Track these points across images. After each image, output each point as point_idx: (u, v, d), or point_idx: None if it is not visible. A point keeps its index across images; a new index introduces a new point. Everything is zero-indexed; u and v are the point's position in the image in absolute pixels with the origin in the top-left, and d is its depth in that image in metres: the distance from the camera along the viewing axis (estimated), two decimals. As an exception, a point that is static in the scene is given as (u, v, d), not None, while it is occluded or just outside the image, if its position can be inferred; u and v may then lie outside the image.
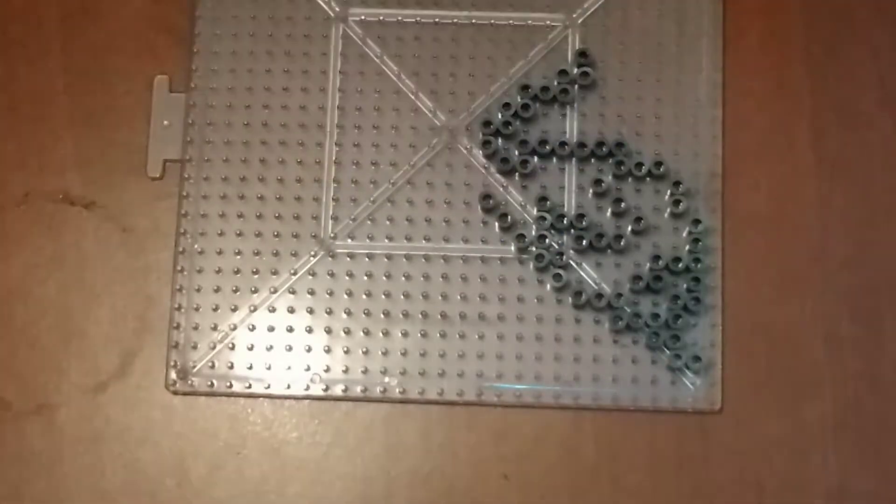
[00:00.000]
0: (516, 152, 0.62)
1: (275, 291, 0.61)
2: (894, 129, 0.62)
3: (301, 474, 0.60)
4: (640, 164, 0.61)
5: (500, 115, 0.62)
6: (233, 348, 0.61)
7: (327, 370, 0.60)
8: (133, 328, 0.61)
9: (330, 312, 0.61)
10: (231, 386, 0.60)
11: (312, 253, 0.62)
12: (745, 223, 0.61)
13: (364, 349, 0.60)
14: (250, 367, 0.61)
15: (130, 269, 0.62)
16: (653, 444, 0.60)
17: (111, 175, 0.63)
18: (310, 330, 0.61)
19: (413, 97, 0.62)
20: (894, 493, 0.59)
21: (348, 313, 0.61)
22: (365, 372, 0.60)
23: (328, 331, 0.61)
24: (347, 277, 0.61)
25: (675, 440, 0.60)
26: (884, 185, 0.62)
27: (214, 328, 0.61)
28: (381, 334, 0.61)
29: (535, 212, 0.61)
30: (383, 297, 0.61)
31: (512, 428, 0.60)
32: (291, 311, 0.61)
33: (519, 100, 0.62)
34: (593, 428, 0.60)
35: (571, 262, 0.61)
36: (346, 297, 0.61)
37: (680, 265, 0.60)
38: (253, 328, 0.61)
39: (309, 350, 0.61)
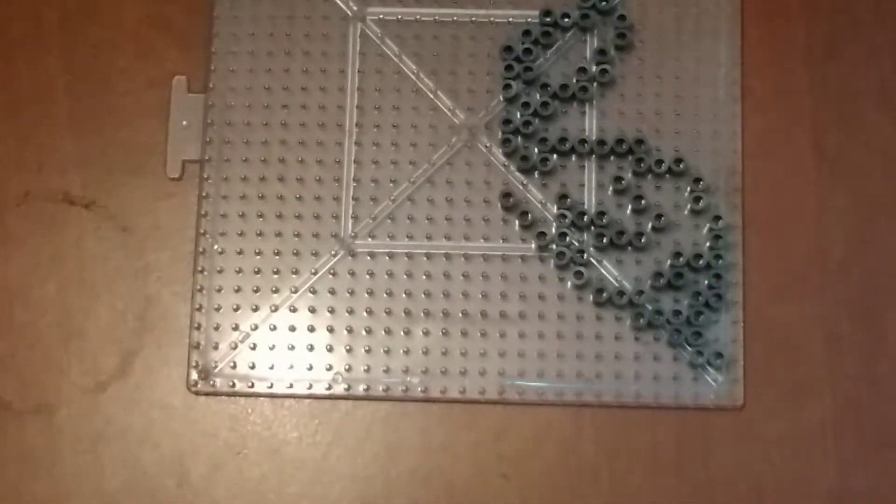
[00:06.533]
0: (536, 150, 0.62)
1: (295, 291, 0.61)
2: (894, 129, 0.63)
3: (308, 473, 0.60)
4: (660, 161, 0.61)
5: (519, 114, 0.62)
6: (254, 348, 0.61)
7: (349, 369, 0.60)
8: (133, 328, 0.61)
9: (351, 312, 0.61)
10: (252, 386, 0.60)
11: (333, 252, 0.61)
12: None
13: (385, 348, 0.60)
14: (272, 367, 0.60)
15: (130, 269, 0.62)
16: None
17: (111, 175, 0.62)
18: (331, 329, 0.61)
19: (432, 96, 0.62)
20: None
21: (369, 312, 0.61)
22: (387, 371, 0.60)
23: (349, 330, 0.60)
24: (368, 276, 0.61)
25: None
26: (884, 185, 0.62)
27: (235, 328, 0.61)
28: (402, 333, 0.60)
29: (555, 209, 0.61)
30: (404, 295, 0.61)
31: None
32: (312, 310, 0.61)
33: (538, 98, 0.62)
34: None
35: (592, 260, 0.61)
36: (366, 296, 0.61)
37: (701, 262, 0.60)
38: (274, 328, 0.61)
39: (330, 349, 0.60)
